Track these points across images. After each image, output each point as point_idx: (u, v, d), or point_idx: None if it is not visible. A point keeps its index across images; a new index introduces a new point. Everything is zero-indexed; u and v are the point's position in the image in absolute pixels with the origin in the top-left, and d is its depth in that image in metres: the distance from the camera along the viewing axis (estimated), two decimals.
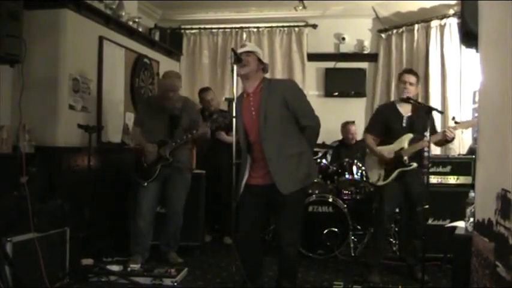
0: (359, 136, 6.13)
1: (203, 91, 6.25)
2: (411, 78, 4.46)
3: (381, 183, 4.43)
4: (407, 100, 4.46)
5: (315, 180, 5.48)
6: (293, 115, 3.54)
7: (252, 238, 3.62)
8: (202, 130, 4.85)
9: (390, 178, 4.39)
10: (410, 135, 4.41)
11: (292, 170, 3.49)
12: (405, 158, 4.35)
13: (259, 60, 3.58)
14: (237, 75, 3.41)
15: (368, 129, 4.68)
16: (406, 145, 4.39)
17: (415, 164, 4.40)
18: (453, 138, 4.40)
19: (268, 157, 3.47)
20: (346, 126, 6.38)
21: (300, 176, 3.53)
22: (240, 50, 3.49)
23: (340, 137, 6.46)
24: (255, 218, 3.62)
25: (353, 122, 6.36)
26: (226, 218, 5.57)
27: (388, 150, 4.41)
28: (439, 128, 4.98)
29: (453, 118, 4.63)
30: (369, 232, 5.39)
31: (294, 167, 3.50)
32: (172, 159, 4.76)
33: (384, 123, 4.52)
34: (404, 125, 4.45)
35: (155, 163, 4.77)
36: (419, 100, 6.37)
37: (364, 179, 5.50)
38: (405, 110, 4.49)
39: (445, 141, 4.43)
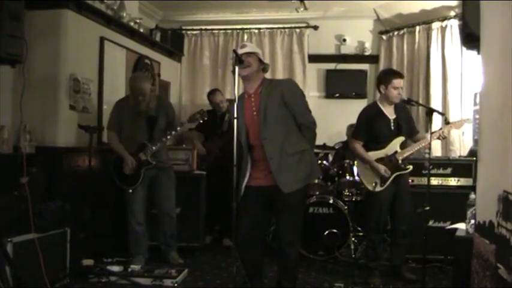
0: None
1: (211, 93, 6.22)
2: (401, 83, 4.44)
3: (378, 189, 4.39)
4: (408, 102, 4.47)
5: (316, 181, 5.47)
6: (292, 114, 3.56)
7: (253, 239, 3.62)
8: (181, 129, 4.78)
9: (388, 183, 4.38)
10: (402, 138, 4.41)
11: (294, 168, 3.50)
12: (400, 161, 4.36)
13: (260, 61, 3.59)
14: (238, 75, 3.40)
15: (356, 136, 4.56)
16: (398, 148, 4.39)
17: (410, 167, 4.42)
18: (445, 137, 4.52)
19: (269, 156, 3.48)
20: (350, 129, 6.34)
21: (301, 175, 3.54)
22: (240, 51, 3.47)
23: (343, 138, 6.44)
24: (256, 219, 3.62)
25: None
26: (228, 219, 5.56)
27: (380, 156, 4.39)
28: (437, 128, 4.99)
29: (445, 119, 4.64)
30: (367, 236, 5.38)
31: (296, 166, 3.51)
32: (154, 162, 4.71)
33: (372, 127, 4.44)
34: (392, 128, 4.43)
35: (138, 169, 4.69)
36: (420, 101, 6.39)
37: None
38: (390, 112, 4.46)
39: (437, 138, 4.45)
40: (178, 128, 4.74)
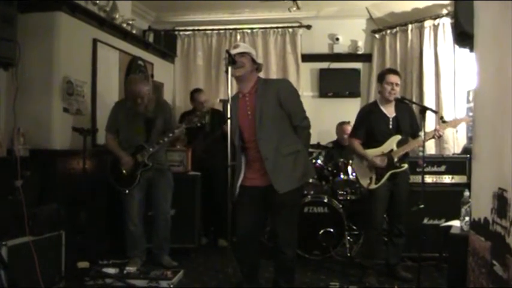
0: None
1: (196, 92, 6.18)
2: (397, 79, 4.46)
3: (373, 186, 4.42)
4: (402, 100, 4.48)
5: (310, 181, 5.47)
6: (287, 114, 3.56)
7: (250, 240, 3.61)
8: (179, 132, 4.74)
9: (382, 181, 4.40)
10: (398, 137, 4.42)
11: (289, 169, 3.50)
12: (396, 159, 4.37)
13: (253, 61, 3.58)
14: (232, 76, 3.39)
15: (354, 134, 4.62)
16: (395, 147, 4.41)
17: (406, 165, 4.44)
18: (440, 136, 4.50)
19: (264, 156, 3.47)
20: (341, 127, 6.36)
21: (296, 175, 3.54)
22: (233, 51, 3.46)
23: (334, 137, 6.45)
24: (252, 219, 3.62)
25: (348, 122, 6.34)
26: (220, 220, 5.57)
27: (376, 153, 4.41)
28: (432, 126, 5.00)
29: (441, 118, 4.66)
30: (363, 234, 5.39)
31: (291, 166, 3.51)
32: (151, 164, 4.69)
33: (369, 126, 4.49)
34: (390, 126, 4.45)
35: (134, 170, 4.68)
36: (414, 99, 6.41)
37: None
38: (389, 111, 4.48)
39: (432, 137, 4.47)
40: (176, 131, 4.71)
